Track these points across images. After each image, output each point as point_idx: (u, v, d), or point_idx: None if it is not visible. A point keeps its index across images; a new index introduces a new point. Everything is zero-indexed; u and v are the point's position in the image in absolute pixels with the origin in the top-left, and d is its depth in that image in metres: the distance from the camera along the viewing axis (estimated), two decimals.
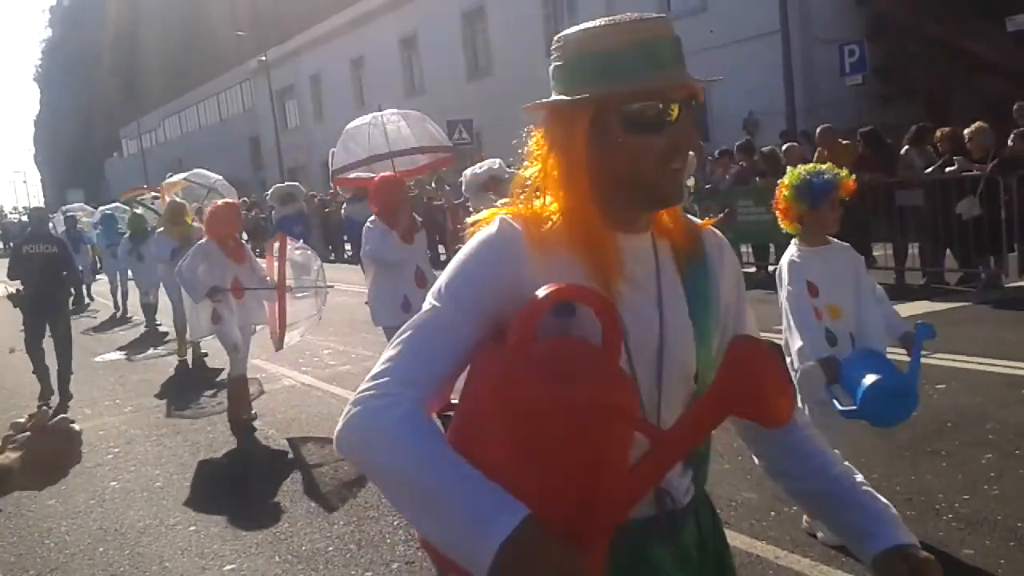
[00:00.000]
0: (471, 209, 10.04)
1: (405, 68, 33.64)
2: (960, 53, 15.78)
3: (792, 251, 3.72)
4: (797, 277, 3.59)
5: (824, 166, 3.76)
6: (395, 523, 4.45)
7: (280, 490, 5.15)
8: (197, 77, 53.51)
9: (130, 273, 13.65)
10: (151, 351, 10.59)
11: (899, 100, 16.93)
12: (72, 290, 11.94)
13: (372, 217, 5.89)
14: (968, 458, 4.51)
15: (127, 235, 11.82)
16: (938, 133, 9.94)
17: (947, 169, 9.41)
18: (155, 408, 7.52)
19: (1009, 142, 9.18)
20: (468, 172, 9.59)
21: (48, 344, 8.24)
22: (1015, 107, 9.37)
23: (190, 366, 9.17)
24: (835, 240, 3.76)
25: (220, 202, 7.10)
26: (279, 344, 6.57)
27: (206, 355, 9.34)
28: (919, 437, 4.90)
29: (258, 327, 6.77)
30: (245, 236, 9.96)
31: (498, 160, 9.91)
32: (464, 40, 30.17)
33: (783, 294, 3.63)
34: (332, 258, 19.74)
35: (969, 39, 15.47)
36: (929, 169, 9.71)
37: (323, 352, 8.82)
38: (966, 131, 9.42)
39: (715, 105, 21.35)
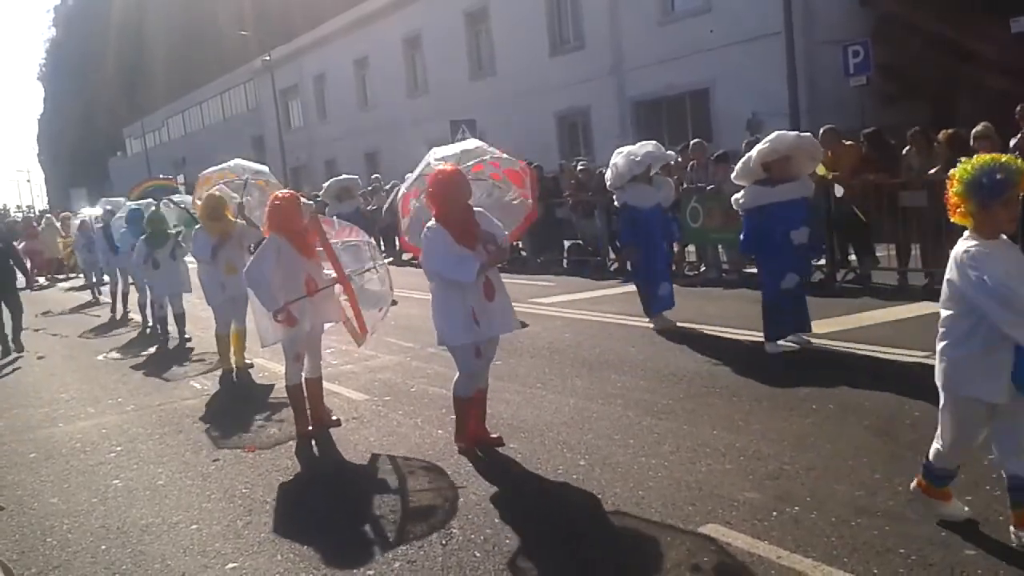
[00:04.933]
0: (617, 203, 9.05)
1: (408, 68, 33.67)
2: (965, 54, 15.75)
3: (969, 243, 3.45)
4: (993, 264, 3.33)
5: (1003, 159, 3.41)
6: (396, 522, 4.46)
7: (282, 489, 5.15)
8: (201, 76, 53.57)
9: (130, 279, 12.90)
10: (153, 350, 10.57)
11: (903, 101, 16.88)
12: (18, 273, 12.44)
13: (431, 222, 5.15)
14: (970, 459, 4.50)
15: (144, 237, 10.56)
16: (941, 135, 9.93)
17: (951, 171, 9.39)
18: (157, 406, 7.53)
19: (1012, 143, 9.16)
20: (621, 161, 8.70)
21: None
22: (1018, 108, 9.35)
23: (238, 385, 8.32)
24: (1004, 237, 3.52)
25: (281, 193, 6.36)
26: (362, 337, 6.01)
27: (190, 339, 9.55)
28: (921, 438, 4.88)
29: (327, 325, 6.31)
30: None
31: (652, 142, 8.95)
32: (467, 40, 30.18)
33: (973, 284, 3.34)
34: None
35: (974, 40, 15.43)
36: (933, 170, 9.70)
37: (325, 352, 8.78)
38: (972, 132, 9.40)
39: (718, 106, 21.38)
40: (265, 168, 9.64)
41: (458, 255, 5.03)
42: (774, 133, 7.45)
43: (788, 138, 7.29)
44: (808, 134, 8.05)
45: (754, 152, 7.34)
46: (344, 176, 15.50)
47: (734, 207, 7.62)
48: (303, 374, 6.21)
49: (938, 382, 3.70)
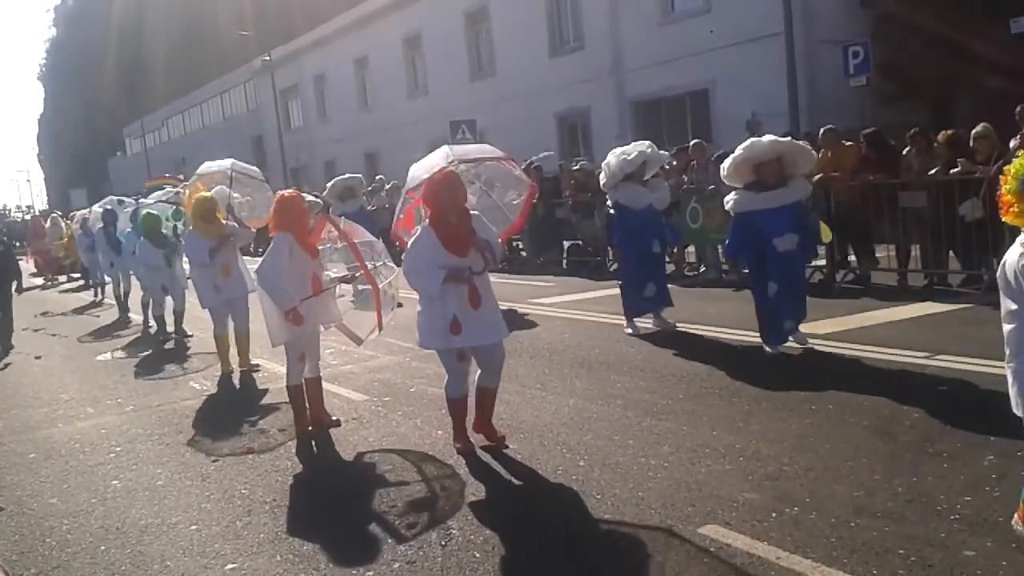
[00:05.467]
0: (609, 202, 8.92)
1: (408, 68, 33.66)
2: (965, 54, 15.76)
3: (1021, 250, 3.15)
4: None
5: None
6: (396, 522, 4.46)
7: (281, 489, 5.14)
8: (201, 76, 53.57)
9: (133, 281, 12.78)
10: (153, 350, 10.56)
11: (903, 101, 16.89)
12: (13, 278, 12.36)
13: (424, 223, 5.16)
14: (969, 459, 4.50)
15: (142, 239, 10.53)
16: (940, 135, 9.93)
17: (951, 171, 9.40)
18: (157, 407, 7.52)
19: (1013, 143, 9.17)
20: (613, 161, 8.57)
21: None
22: (1018, 109, 9.36)
23: (237, 386, 8.28)
24: None
25: (286, 192, 6.27)
26: (372, 331, 6.01)
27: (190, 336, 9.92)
28: (920, 438, 4.90)
29: (323, 327, 6.27)
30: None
31: (645, 142, 8.88)
32: (468, 40, 30.18)
33: None
34: None
35: (974, 40, 15.44)
36: (933, 171, 9.70)
37: (325, 352, 8.78)
38: (972, 133, 9.41)
39: (718, 106, 21.37)
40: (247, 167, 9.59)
41: (425, 268, 5.03)
42: (748, 140, 7.30)
43: (760, 145, 7.08)
44: (789, 138, 7.93)
45: (728, 161, 7.25)
46: (348, 175, 15.46)
47: (726, 208, 7.57)
48: (303, 374, 6.21)
49: (1017, 409, 3.38)
